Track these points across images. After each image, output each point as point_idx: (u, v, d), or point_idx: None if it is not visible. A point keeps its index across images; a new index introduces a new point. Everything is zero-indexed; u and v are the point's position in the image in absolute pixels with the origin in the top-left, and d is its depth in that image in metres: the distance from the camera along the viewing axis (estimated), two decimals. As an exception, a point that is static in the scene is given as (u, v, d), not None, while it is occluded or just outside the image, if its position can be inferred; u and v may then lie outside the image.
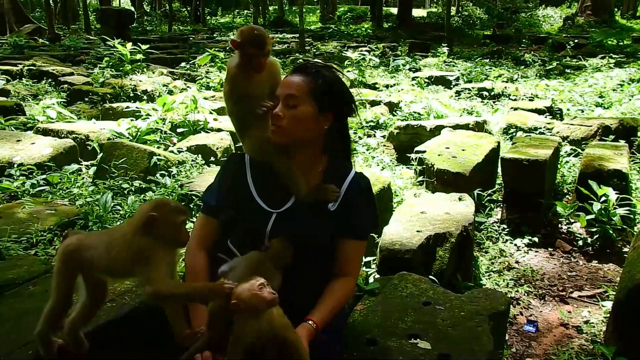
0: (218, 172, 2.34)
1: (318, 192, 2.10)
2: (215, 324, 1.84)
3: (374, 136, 7.13)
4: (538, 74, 12.21)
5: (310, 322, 1.98)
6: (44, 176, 5.36)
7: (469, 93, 9.58)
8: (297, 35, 19.30)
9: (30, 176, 5.36)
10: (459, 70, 12.06)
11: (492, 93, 9.46)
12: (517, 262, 4.28)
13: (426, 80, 10.58)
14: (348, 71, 11.78)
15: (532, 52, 15.66)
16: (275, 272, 1.97)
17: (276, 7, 38.43)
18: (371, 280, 3.09)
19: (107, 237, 1.90)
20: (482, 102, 9.14)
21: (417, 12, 34.70)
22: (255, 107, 2.09)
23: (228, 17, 38.88)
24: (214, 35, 24.85)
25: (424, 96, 9.06)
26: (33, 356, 2.08)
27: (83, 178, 5.63)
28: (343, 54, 13.65)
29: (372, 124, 7.48)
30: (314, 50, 17.34)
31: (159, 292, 1.76)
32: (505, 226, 4.67)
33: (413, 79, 10.98)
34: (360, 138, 7.03)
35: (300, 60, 13.50)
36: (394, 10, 33.42)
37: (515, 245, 4.48)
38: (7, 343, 2.14)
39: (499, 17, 30.59)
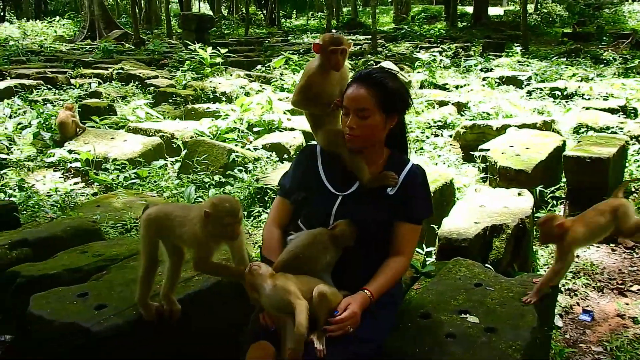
0: (293, 161, 2.72)
1: (379, 178, 2.43)
2: None
3: (441, 135, 7.33)
4: (617, 73, 11.92)
5: (366, 291, 2.30)
6: (134, 170, 5.96)
7: (540, 93, 9.55)
8: (370, 36, 19.53)
9: (123, 170, 5.96)
10: (532, 70, 11.95)
11: (565, 93, 9.39)
12: (577, 256, 4.41)
13: (497, 80, 10.60)
14: (418, 72, 11.95)
15: (612, 50, 15.20)
16: (330, 248, 2.29)
17: (350, 8, 38.81)
18: (428, 262, 3.36)
19: (182, 213, 2.34)
20: (553, 102, 9.10)
21: (494, 11, 34.10)
22: (327, 104, 2.47)
23: (302, 20, 39.63)
24: (289, 38, 25.50)
25: (493, 96, 9.13)
26: (138, 316, 2.54)
27: (169, 173, 6.18)
28: (414, 55, 13.79)
29: (439, 123, 7.67)
30: (386, 52, 17.54)
31: (198, 269, 2.39)
32: (568, 222, 4.78)
33: (483, 79, 11.02)
34: (427, 137, 7.25)
35: (372, 62, 13.77)
36: (470, 10, 33.03)
37: (577, 240, 4.59)
38: (120, 302, 2.61)
39: (580, 14, 29.59)
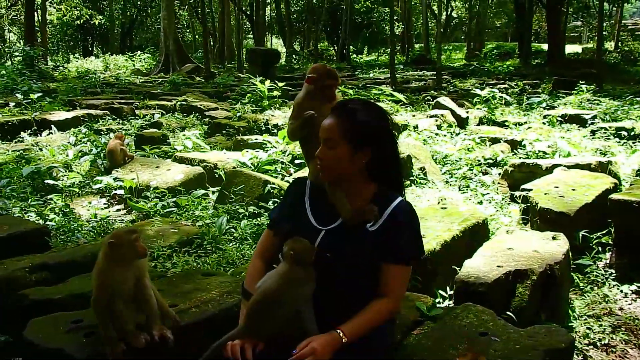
0: (284, 193, 2.65)
1: (359, 213, 2.32)
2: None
3: (490, 174, 7.07)
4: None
5: (338, 331, 2.17)
6: (174, 199, 6.05)
7: (605, 132, 9.07)
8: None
9: (163, 198, 6.08)
10: (601, 109, 11.42)
11: (632, 133, 8.87)
12: (621, 309, 4.06)
13: (559, 119, 10.17)
14: (478, 108, 11.69)
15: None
16: (298, 277, 2.21)
17: (422, 44, 38.77)
18: (438, 306, 3.17)
19: None
20: (618, 142, 8.61)
21: (572, 48, 33.12)
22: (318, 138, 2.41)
23: (373, 55, 39.93)
24: (356, 72, 25.72)
25: (552, 135, 8.75)
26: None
27: (208, 202, 6.25)
28: (471, 92, 13.52)
29: (490, 161, 7.41)
30: (450, 88, 17.33)
31: None
32: (614, 271, 4.44)
33: (545, 117, 10.62)
34: (475, 175, 7.01)
35: (430, 97, 13.58)
36: (545, 47, 32.22)
37: (622, 291, 4.25)
38: None
39: (665, 52, 28.26)
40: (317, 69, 2.56)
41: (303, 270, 2.22)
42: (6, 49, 27.71)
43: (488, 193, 6.31)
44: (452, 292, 3.70)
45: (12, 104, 11.81)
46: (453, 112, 10.71)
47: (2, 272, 3.56)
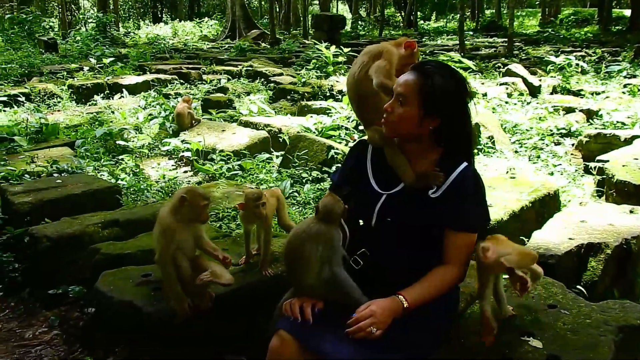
0: (346, 155, 2.61)
1: (422, 179, 2.25)
2: None
3: (563, 144, 6.79)
4: None
5: (399, 296, 2.12)
6: (239, 162, 6.14)
7: (695, 102, 8.51)
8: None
9: (228, 161, 6.17)
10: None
11: None
12: None
13: (640, 88, 9.62)
14: (552, 77, 11.19)
15: None
16: (322, 232, 2.18)
17: (493, 10, 37.43)
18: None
19: None
20: None
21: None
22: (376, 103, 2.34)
23: (441, 22, 38.89)
24: (423, 39, 25.14)
25: (632, 105, 8.27)
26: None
27: (272, 166, 6.30)
28: (545, 59, 12.93)
29: (563, 131, 7.11)
30: (522, 55, 16.66)
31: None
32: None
33: (625, 86, 10.05)
34: (547, 145, 6.76)
35: (501, 64, 13.11)
36: (628, 13, 30.38)
37: None
38: None
39: None
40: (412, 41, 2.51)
41: (326, 227, 2.18)
42: (80, 16, 28.60)
43: (560, 164, 6.07)
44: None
45: (86, 69, 12.24)
46: (525, 80, 10.31)
47: (77, 227, 3.72)
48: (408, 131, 2.22)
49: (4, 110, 8.98)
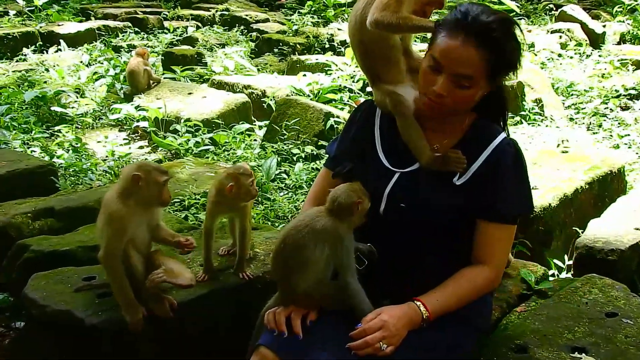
0: (347, 120, 2.63)
1: (441, 161, 2.25)
2: None
3: (632, 109, 6.83)
4: None
5: (417, 302, 2.15)
6: (210, 135, 6.16)
7: None
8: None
9: (196, 133, 6.19)
10: None
11: None
12: None
13: None
14: (619, 21, 11.17)
15: None
16: (330, 231, 2.18)
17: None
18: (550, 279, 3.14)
19: None
20: None
21: None
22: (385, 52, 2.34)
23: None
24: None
25: None
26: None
27: (254, 139, 6.32)
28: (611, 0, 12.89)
29: (633, 92, 7.15)
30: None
31: None
32: None
33: None
34: (611, 110, 6.80)
35: (554, 5, 13.03)
36: None
37: None
38: None
39: None
40: None
41: (337, 224, 2.19)
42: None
43: (628, 134, 6.12)
44: (570, 261, 3.64)
45: (12, 12, 12.13)
46: (584, 26, 10.29)
47: (0, 217, 3.74)
48: (463, 108, 2.25)
49: None
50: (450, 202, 2.24)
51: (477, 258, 2.29)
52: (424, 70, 2.19)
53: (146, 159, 5.99)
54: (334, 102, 6.66)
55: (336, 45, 9.98)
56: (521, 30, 2.24)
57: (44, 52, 9.93)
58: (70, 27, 10.88)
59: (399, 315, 2.10)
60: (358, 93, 6.96)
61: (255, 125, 6.61)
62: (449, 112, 2.23)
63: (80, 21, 11.77)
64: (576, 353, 2.35)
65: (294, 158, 5.64)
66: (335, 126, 5.77)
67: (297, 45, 9.95)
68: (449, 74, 2.11)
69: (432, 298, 2.18)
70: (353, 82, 7.14)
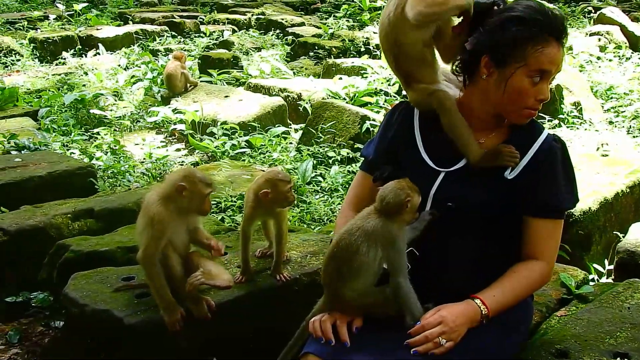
0: (381, 122, 2.61)
1: (491, 156, 2.23)
2: None
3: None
4: None
5: (477, 300, 2.13)
6: (246, 137, 6.19)
7: None
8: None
9: (232, 136, 6.23)
10: None
11: None
12: None
13: None
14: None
15: None
16: (380, 232, 2.14)
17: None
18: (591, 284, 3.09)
19: None
20: None
21: None
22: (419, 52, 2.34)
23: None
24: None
25: None
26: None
27: (290, 142, 6.34)
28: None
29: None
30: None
31: None
32: None
33: None
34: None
35: (592, 7, 12.88)
36: None
37: None
38: None
39: None
40: None
41: (389, 223, 2.15)
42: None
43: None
44: (611, 266, 3.58)
45: (52, 17, 12.36)
46: (624, 29, 10.16)
47: (41, 218, 3.81)
48: None
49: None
50: (502, 198, 2.22)
51: (529, 254, 2.27)
52: (525, 88, 2.17)
53: (183, 161, 6.04)
54: (369, 105, 6.66)
55: (372, 48, 9.98)
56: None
57: (83, 55, 10.10)
58: (109, 31, 11.04)
59: (458, 312, 2.09)
60: (394, 96, 6.93)
61: (291, 128, 6.63)
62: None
63: (119, 25, 11.95)
64: (619, 359, 2.31)
65: (330, 161, 5.64)
66: (371, 129, 5.76)
67: (333, 49, 10.00)
68: (549, 78, 2.19)
69: (490, 294, 2.17)
70: (389, 85, 7.12)
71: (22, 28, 11.75)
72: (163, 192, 2.60)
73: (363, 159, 2.61)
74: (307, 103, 6.81)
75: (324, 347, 2.12)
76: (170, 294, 2.59)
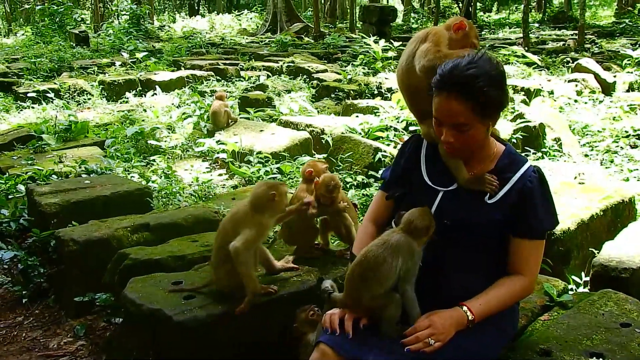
0: (398, 151, 2.63)
1: (475, 182, 2.24)
2: None
3: (640, 147, 6.66)
4: None
5: (464, 307, 2.13)
6: (277, 165, 6.20)
7: None
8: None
9: (266, 164, 6.25)
10: None
11: None
12: None
13: None
14: (628, 72, 10.93)
15: None
16: (403, 248, 2.15)
17: (562, 1, 36.72)
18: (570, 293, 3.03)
19: None
20: None
21: None
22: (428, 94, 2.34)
23: (503, 13, 38.38)
24: (482, 33, 24.85)
25: None
26: (222, 310, 2.66)
27: (314, 170, 6.33)
28: (621, 53, 12.64)
29: (640, 132, 6.98)
30: (595, 49, 16.29)
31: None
32: None
33: None
34: (621, 148, 6.62)
35: (570, 59, 12.86)
36: None
37: None
38: (209, 294, 2.86)
39: None
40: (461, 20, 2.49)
41: (409, 240, 2.16)
42: (114, 8, 29.42)
43: (637, 169, 5.95)
44: (587, 278, 3.53)
45: (118, 64, 12.59)
46: (597, 76, 10.13)
47: (105, 230, 3.83)
48: (478, 145, 2.23)
49: (33, 107, 9.31)
50: (484, 218, 2.21)
51: (513, 270, 2.26)
52: (434, 123, 2.19)
53: (224, 185, 6.06)
54: (381, 139, 6.67)
55: (383, 91, 10.09)
56: (497, 61, 2.16)
57: (143, 95, 10.25)
58: (165, 75, 11.21)
59: (446, 317, 2.10)
60: (402, 131, 6.94)
61: (315, 157, 6.63)
62: (467, 152, 2.22)
63: (173, 71, 12.13)
64: (594, 358, 2.28)
65: (348, 185, 5.64)
66: (382, 159, 5.76)
67: (351, 92, 10.10)
68: (448, 125, 2.12)
69: (476, 303, 2.16)
70: (397, 122, 7.14)
71: (93, 72, 11.97)
72: (254, 204, 2.74)
73: (382, 180, 2.64)
74: (328, 137, 6.81)
75: (334, 337, 2.15)
76: (256, 278, 2.76)
